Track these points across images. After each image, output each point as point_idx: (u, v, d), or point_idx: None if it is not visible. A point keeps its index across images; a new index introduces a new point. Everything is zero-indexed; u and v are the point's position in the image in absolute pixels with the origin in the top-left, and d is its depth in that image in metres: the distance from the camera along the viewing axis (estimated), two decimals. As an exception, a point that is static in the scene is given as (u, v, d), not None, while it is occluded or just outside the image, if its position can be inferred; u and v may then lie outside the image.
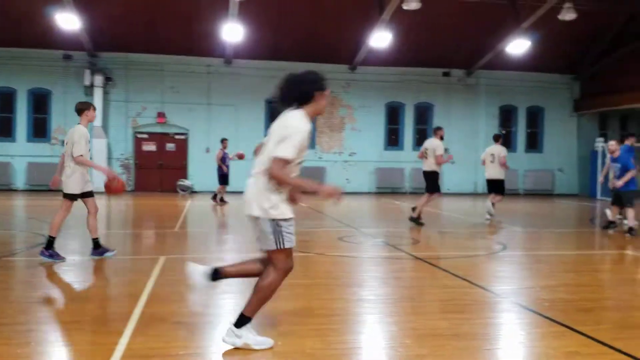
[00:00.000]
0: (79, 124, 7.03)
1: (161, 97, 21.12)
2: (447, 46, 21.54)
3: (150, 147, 21.50)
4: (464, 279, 6.22)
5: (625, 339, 4.13)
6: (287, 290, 5.73)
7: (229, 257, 7.72)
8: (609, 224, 10.73)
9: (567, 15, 18.10)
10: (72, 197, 6.92)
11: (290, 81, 3.93)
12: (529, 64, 22.25)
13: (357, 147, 22.53)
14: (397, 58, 21.65)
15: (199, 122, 21.46)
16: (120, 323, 4.33)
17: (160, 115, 21.22)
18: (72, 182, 6.88)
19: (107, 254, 7.19)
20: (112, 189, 7.19)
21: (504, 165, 12.53)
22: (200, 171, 21.24)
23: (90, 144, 7.24)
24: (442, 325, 4.46)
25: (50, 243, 6.86)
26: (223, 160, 16.54)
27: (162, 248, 8.39)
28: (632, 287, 6.40)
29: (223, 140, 16.92)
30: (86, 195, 7.01)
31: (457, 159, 22.94)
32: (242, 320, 3.84)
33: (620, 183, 10.38)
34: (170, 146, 21.65)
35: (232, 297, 5.51)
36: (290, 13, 19.62)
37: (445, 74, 23.00)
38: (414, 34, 20.59)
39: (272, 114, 22.12)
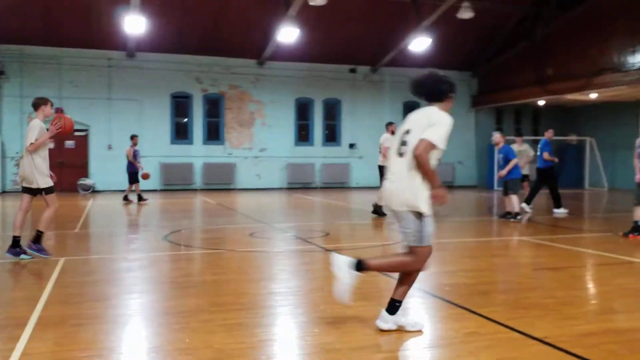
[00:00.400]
0: (35, 118, 7.01)
1: (59, 92, 19.99)
2: (353, 43, 22.00)
3: (48, 144, 20.28)
4: (371, 269, 6.40)
5: (518, 318, 4.43)
6: (195, 288, 5.68)
7: (134, 257, 7.49)
8: (507, 214, 11.38)
9: (465, 14, 19.03)
10: (32, 192, 6.91)
11: (434, 78, 4.17)
12: (430, 61, 23.05)
13: (267, 142, 22.50)
14: (305, 54, 21.84)
15: (100, 118, 20.56)
16: (16, 328, 4.10)
17: (59, 110, 20.10)
18: (40, 176, 6.86)
19: (24, 257, 6.93)
20: (65, 128, 7.10)
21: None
22: (103, 169, 20.40)
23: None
24: (349, 312, 4.58)
25: (38, 237, 6.96)
26: (134, 157, 16.01)
27: (62, 250, 7.98)
28: (524, 270, 6.85)
29: (133, 137, 16.27)
30: (46, 191, 6.95)
31: (364, 154, 23.54)
32: (393, 306, 4.10)
33: (504, 173, 11.14)
34: (69, 143, 20.59)
35: (138, 296, 5.37)
36: (194, 6, 19.25)
37: (352, 71, 23.48)
38: (320, 30, 20.86)
39: (177, 108, 21.68)
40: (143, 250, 8.21)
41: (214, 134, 22.24)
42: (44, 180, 6.90)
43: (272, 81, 22.47)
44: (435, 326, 4.43)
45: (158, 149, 21.06)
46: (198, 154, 21.82)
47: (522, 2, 21.24)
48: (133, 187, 15.99)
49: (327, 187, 22.94)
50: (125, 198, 15.91)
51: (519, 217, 11.04)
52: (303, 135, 23.38)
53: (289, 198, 18.33)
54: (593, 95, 20.39)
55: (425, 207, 3.94)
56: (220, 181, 21.85)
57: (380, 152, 12.01)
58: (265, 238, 9.23)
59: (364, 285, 5.64)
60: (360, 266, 4.08)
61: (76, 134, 20.63)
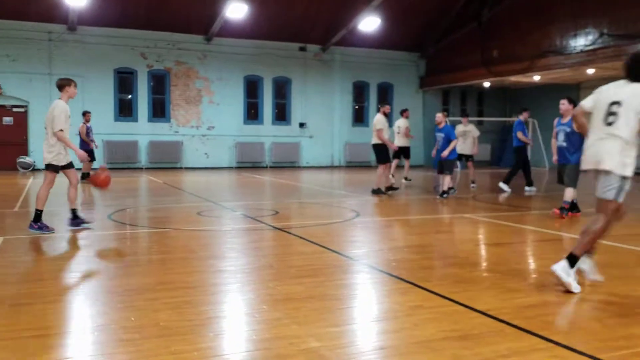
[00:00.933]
0: (59, 99, 7.22)
1: (-5, 66, 19.07)
2: (303, 21, 21.83)
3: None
4: (320, 245, 6.45)
5: (461, 292, 4.55)
6: (141, 267, 5.58)
7: (77, 236, 7.26)
8: (444, 193, 11.64)
9: (414, -5, 19.14)
10: (55, 169, 7.25)
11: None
12: (380, 42, 23.31)
13: (215, 120, 22.15)
14: (254, 31, 21.53)
15: (41, 94, 19.67)
16: (-52, 310, 3.92)
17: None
18: (53, 155, 7.20)
19: (85, 225, 7.42)
20: (97, 182, 7.59)
21: (408, 135, 14.84)
22: (43, 147, 19.59)
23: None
24: (297, 289, 4.60)
25: (37, 216, 7.14)
26: (87, 134, 15.35)
27: (0, 229, 7.67)
28: (467, 246, 7.04)
29: (86, 114, 15.62)
30: (66, 167, 7.33)
31: (315, 133, 23.54)
32: (573, 259, 4.49)
33: (445, 153, 11.47)
34: (7, 120, 19.70)
35: (81, 275, 5.23)
36: (140, -22, 18.66)
37: (302, 49, 23.30)
38: (270, 7, 20.59)
39: (121, 85, 20.99)
40: (87, 229, 7.96)
41: (159, 111, 21.73)
42: (58, 158, 7.32)
43: (220, 58, 22.06)
44: (382, 300, 4.51)
45: (101, 127, 20.38)
46: (143, 131, 21.28)
47: (469, -16, 21.56)
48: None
49: (277, 167, 22.86)
50: (85, 177, 15.31)
51: (445, 195, 11.48)
52: (252, 113, 23.14)
53: (238, 177, 18.17)
54: (536, 78, 20.99)
55: (629, 173, 4.45)
56: (166, 160, 21.42)
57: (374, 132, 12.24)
58: (213, 217, 9.13)
59: (314, 261, 5.70)
60: (573, 261, 4.52)
61: (15, 110, 19.78)
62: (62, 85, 7.29)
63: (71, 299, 4.44)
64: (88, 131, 15.45)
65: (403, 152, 15.09)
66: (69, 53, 19.96)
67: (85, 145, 15.36)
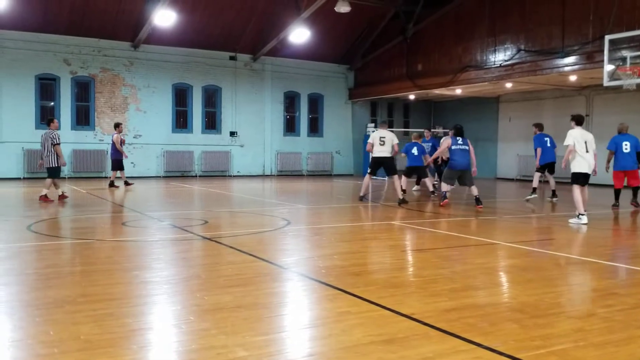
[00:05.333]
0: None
1: None
2: (233, 30, 21.76)
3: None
4: (250, 254, 6.42)
5: (388, 297, 4.66)
6: (61, 279, 5.35)
7: (-9, 249, 6.87)
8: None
9: (342, 8, 19.49)
10: None
11: None
12: (310, 53, 23.59)
13: (142, 129, 21.58)
14: (183, 39, 21.23)
15: (-48, 99, 18.59)
16: None
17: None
18: None
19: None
20: None
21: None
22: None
23: None
24: (226, 299, 4.55)
25: None
26: (121, 144, 16.35)
27: None
28: (393, 252, 7.21)
29: (119, 125, 16.75)
30: None
31: (245, 142, 23.43)
32: None
33: (431, 160, 14.16)
34: None
35: (-6, 290, 4.96)
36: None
37: (232, 58, 23.17)
38: (199, 14, 20.39)
39: (43, 91, 20.13)
40: (2, 241, 7.56)
41: (83, 118, 20.96)
42: None
43: (148, 65, 21.58)
44: (311, 307, 4.54)
45: (21, 134, 19.46)
46: (66, 140, 20.38)
47: (395, -1, 22.19)
48: (118, 174, 16.56)
49: (207, 176, 22.54)
50: (127, 184, 16.33)
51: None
52: (181, 122, 22.73)
53: (166, 186, 17.77)
54: (458, 91, 21.81)
55: None
56: (90, 169, 20.66)
57: (381, 144, 12.40)
58: (139, 227, 8.89)
59: (243, 271, 5.66)
60: None
61: None
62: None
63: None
64: (121, 142, 16.40)
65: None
66: (-15, 57, 18.96)
67: (118, 154, 16.28)
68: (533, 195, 13.34)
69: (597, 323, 4.04)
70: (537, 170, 13.59)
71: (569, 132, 9.54)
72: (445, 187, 12.15)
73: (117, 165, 16.48)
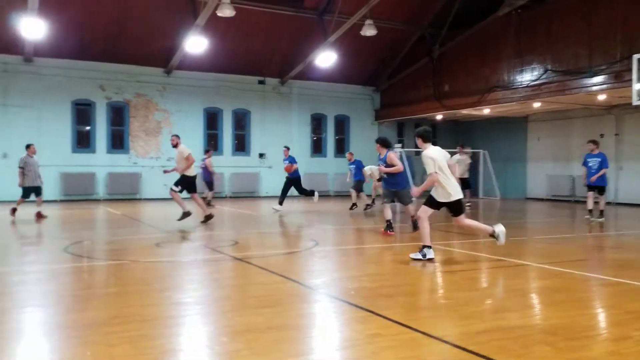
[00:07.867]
0: None
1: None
2: (261, 55, 22.14)
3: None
4: (280, 275, 6.48)
5: (418, 319, 4.65)
6: (96, 300, 5.48)
7: (31, 269, 7.08)
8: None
9: (368, 31, 19.67)
10: None
11: None
12: (336, 76, 23.83)
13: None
14: (213, 64, 21.68)
15: (-6, 125, 19.27)
16: None
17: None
18: None
19: None
20: None
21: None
22: (-3, 179, 19.07)
23: None
24: (257, 320, 4.61)
25: None
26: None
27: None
28: (423, 273, 7.18)
29: (208, 150, 18.37)
30: None
31: (274, 163, 23.63)
32: None
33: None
34: (-43, 151, 19.12)
35: (34, 310, 5.11)
36: (97, 11, 18.60)
37: (261, 82, 23.56)
38: (229, 41, 20.80)
39: (79, 116, 20.69)
40: (41, 262, 7.79)
41: (118, 142, 21.48)
42: None
43: (180, 90, 22.07)
44: (341, 329, 4.56)
45: (58, 158, 20.04)
46: (101, 163, 20.97)
47: (420, 22, 22.29)
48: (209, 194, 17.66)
49: (237, 197, 22.78)
50: (209, 203, 16.90)
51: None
52: (212, 145, 23.10)
53: (197, 207, 17.93)
54: (486, 111, 21.70)
55: None
56: (125, 191, 21.09)
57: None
58: (171, 248, 9.04)
59: (273, 292, 5.71)
60: None
61: (-36, 141, 19.23)
62: None
63: (23, 335, 4.33)
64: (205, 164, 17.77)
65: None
66: (25, 84, 19.64)
67: (209, 176, 17.75)
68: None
69: (632, 346, 3.98)
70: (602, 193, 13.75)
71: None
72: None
73: (210, 185, 17.93)
